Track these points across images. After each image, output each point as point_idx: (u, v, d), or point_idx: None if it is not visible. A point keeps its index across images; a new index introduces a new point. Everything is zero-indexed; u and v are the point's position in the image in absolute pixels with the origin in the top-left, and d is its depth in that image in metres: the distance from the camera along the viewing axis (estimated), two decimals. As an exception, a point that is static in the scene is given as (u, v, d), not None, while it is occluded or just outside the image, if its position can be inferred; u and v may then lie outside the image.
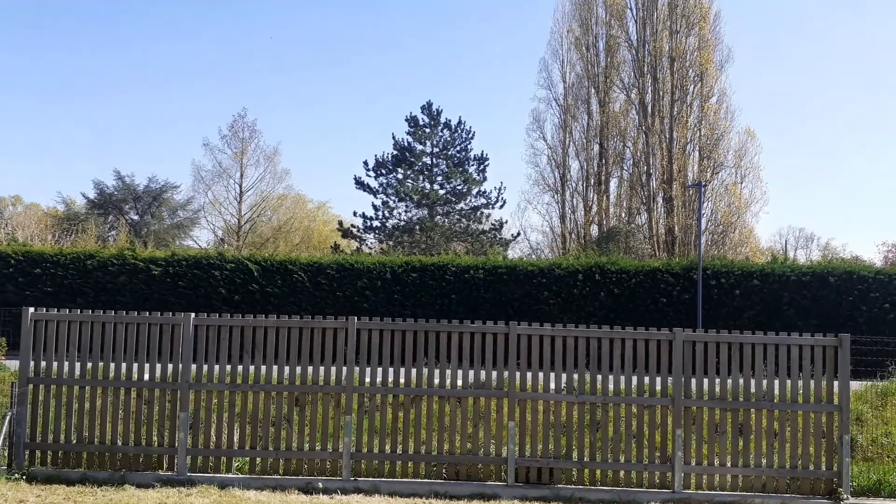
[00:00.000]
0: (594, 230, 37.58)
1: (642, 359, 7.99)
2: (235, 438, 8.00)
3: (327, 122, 69.63)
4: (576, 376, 8.06)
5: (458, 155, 34.14)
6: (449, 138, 34.12)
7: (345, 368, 8.02)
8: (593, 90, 38.23)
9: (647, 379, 8.01)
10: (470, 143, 34.32)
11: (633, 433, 7.91)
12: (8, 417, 8.05)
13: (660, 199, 35.56)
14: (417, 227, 32.63)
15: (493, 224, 33.87)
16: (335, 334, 8.09)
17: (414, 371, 8.12)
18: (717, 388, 7.97)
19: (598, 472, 7.90)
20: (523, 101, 59.91)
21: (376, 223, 32.93)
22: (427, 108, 34.22)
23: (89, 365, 8.07)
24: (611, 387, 8.01)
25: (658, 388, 7.99)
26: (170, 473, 7.87)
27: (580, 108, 38.65)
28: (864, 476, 8.21)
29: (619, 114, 36.83)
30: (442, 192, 33.67)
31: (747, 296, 17.20)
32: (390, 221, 33.11)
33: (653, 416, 7.92)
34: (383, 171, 33.62)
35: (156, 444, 7.99)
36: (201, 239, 42.77)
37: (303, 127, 68.11)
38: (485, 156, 34.20)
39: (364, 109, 70.19)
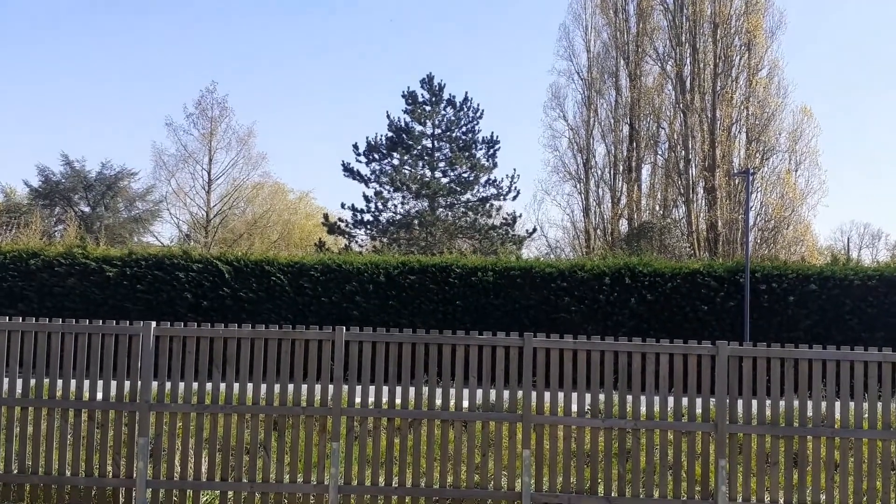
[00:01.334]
0: (623, 225, 37.62)
1: (680, 377, 7.97)
2: (204, 469, 8.01)
3: (311, 101, 69.86)
4: (602, 397, 8.05)
5: (463, 137, 34.18)
6: (453, 118, 34.15)
7: (331, 387, 8.02)
8: (622, 61, 38.25)
9: (685, 400, 7.99)
10: (478, 123, 34.38)
11: (668, 464, 7.89)
12: (-62, 443, 8.07)
13: (700, 190, 35.57)
14: (416, 222, 32.67)
15: (504, 218, 33.91)
16: (320, 347, 8.09)
17: (412, 390, 8.11)
18: (768, 412, 7.95)
19: (627, 509, 7.89)
20: (540, 75, 60.05)
21: (368, 217, 32.99)
22: (427, 82, 34.25)
23: (32, 382, 8.08)
24: (643, 409, 8.00)
25: (699, 410, 7.98)
26: (127, 509, 7.88)
27: (607, 82, 38.73)
28: (941, 515, 8.18)
29: (653, 89, 36.88)
30: (445, 180, 33.71)
31: (803, 303, 17.17)
32: (384, 215, 33.18)
33: (692, 443, 7.90)
34: (376, 156, 33.67)
35: (111, 474, 8.00)
36: (163, 235, 42.90)
37: (282, 105, 68.30)
38: (495, 138, 34.28)
39: (355, 86, 70.33)
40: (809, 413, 7.94)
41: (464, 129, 34.30)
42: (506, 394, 8.06)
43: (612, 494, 7.84)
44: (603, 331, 16.47)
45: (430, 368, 8.09)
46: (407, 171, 33.18)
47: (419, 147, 33.70)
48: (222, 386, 8.14)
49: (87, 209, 39.84)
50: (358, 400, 8.16)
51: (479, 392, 8.09)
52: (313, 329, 8.14)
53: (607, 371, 7.98)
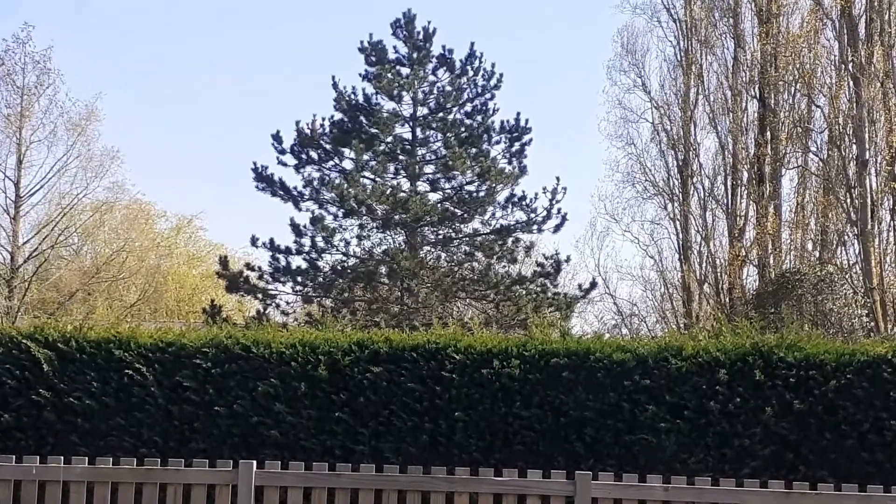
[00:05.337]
0: (750, 276, 37.62)
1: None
2: None
3: (200, 70, 70.30)
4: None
5: (467, 121, 34.30)
6: (450, 87, 34.27)
7: (231, 569, 7.94)
8: (746, -10, 38.74)
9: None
10: (493, 97, 34.49)
11: None
12: None
13: (886, 215, 35.71)
14: (384, 270, 32.61)
15: (540, 264, 33.88)
16: (211, 496, 8.03)
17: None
18: None
19: None
20: (600, 11, 60.49)
21: (299, 261, 32.93)
22: (404, 25, 34.37)
23: None
24: None
25: None
26: None
27: (719, 25, 39.11)
28: None
29: (801, 38, 37.22)
30: (435, 196, 33.78)
31: None
32: (328, 257, 33.14)
33: None
34: (314, 155, 33.68)
35: None
36: (-65, 293, 42.65)
37: (148, 76, 68.66)
38: (523, 124, 34.33)
39: (282, 51, 70.79)
40: None
41: (468, 107, 34.41)
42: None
43: None
44: (715, 465, 16.34)
45: (407, 535, 8.02)
46: (368, 182, 33.19)
47: (390, 138, 33.75)
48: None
49: None
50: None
51: (496, 578, 8.00)
52: (200, 464, 8.06)
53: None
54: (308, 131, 33.59)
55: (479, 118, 34.29)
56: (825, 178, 36.85)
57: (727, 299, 36.04)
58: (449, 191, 33.91)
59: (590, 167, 73.34)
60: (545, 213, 33.60)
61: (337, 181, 33.06)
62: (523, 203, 33.70)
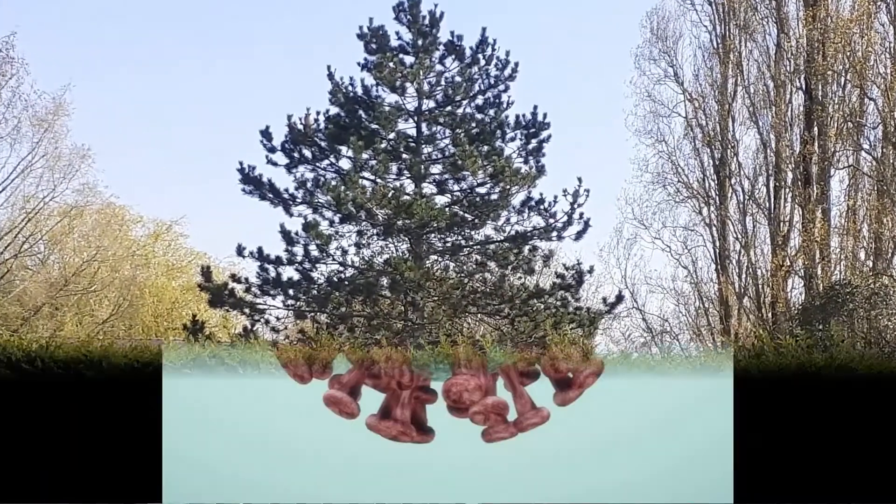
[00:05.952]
0: (795, 289, 37.34)
1: None
2: None
3: (177, 50, 70.26)
4: None
5: (479, 116, 34.15)
6: (459, 77, 34.14)
7: None
8: (789, -31, 38.54)
9: None
10: (506, 88, 34.36)
11: None
12: None
13: (947, 220, 35.50)
14: (386, 282, 32.46)
15: (560, 275, 33.74)
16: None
17: None
18: None
19: None
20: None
21: (290, 272, 32.80)
22: (408, 9, 34.17)
23: None
24: None
25: None
26: None
27: (760, 9, 38.85)
28: None
29: (850, 22, 36.96)
30: (443, 200, 33.64)
31: None
32: (323, 268, 33.01)
33: None
34: (306, 155, 33.52)
35: None
36: None
37: (118, 61, 68.58)
38: (540, 119, 34.18)
39: (270, 30, 70.78)
40: None
41: (480, 100, 34.26)
42: None
43: None
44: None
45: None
46: (368, 183, 33.05)
47: (392, 134, 33.60)
48: None
49: None
50: None
51: None
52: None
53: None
54: (301, 127, 33.37)
55: (491, 112, 34.09)
56: (879, 179, 36.63)
57: (770, 314, 35.85)
58: (458, 193, 33.75)
59: (615, 167, 73.10)
60: (565, 218, 33.46)
61: (333, 182, 32.89)
62: (541, 207, 33.55)
